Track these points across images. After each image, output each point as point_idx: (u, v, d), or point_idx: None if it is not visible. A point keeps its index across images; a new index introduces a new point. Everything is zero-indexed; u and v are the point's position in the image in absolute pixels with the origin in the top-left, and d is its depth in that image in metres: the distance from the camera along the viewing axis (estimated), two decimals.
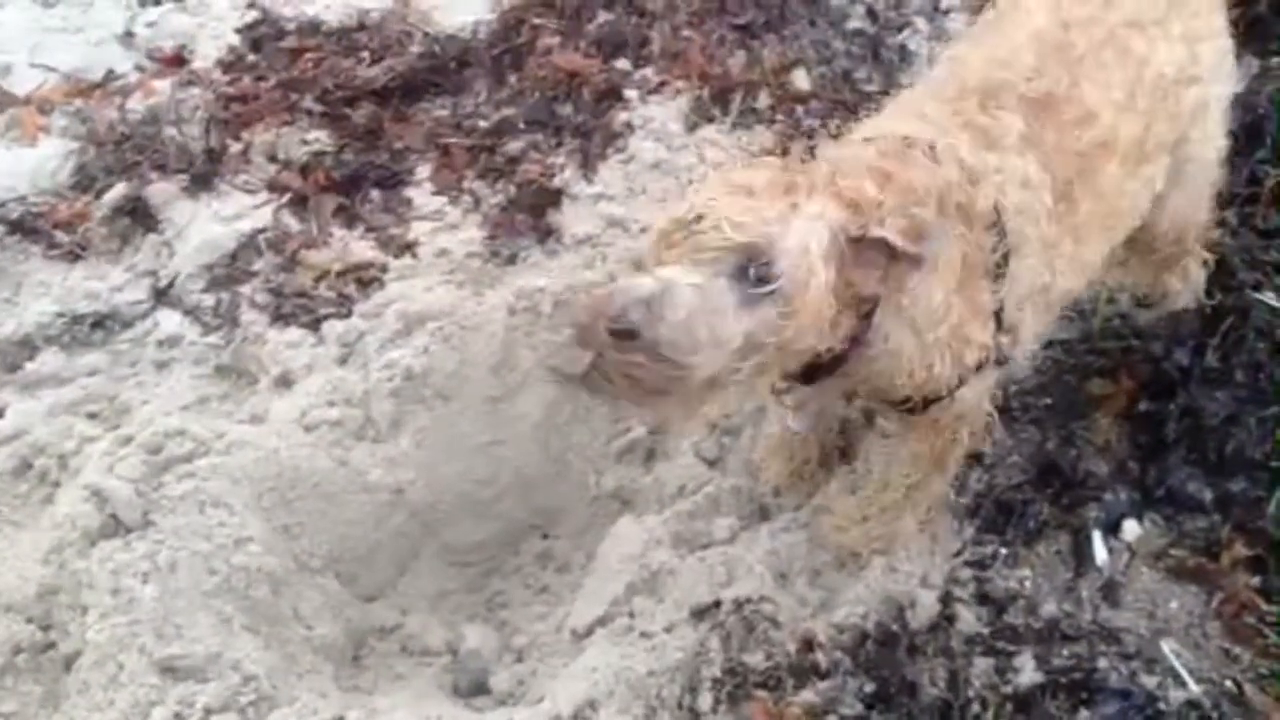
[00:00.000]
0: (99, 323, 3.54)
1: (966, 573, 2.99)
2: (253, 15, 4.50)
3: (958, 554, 3.03)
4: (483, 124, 4.13)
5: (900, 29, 4.40)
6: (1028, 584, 2.97)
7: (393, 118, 4.16)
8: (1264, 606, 2.92)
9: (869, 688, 2.79)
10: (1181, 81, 2.76)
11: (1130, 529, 3.07)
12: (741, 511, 3.17)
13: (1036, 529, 3.06)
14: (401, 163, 4.01)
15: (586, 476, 3.47)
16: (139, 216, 3.82)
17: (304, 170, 3.96)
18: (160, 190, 3.86)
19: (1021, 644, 2.85)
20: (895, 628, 2.89)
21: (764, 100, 4.19)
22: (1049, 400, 3.24)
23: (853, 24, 4.42)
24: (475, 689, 3.10)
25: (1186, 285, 3.39)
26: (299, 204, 3.87)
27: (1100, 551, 3.03)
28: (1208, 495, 3.11)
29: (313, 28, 4.45)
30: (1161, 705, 2.71)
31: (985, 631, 2.88)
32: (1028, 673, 2.79)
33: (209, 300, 3.60)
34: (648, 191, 3.89)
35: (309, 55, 4.35)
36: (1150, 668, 2.79)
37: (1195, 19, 2.81)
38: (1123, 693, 2.73)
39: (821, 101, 4.21)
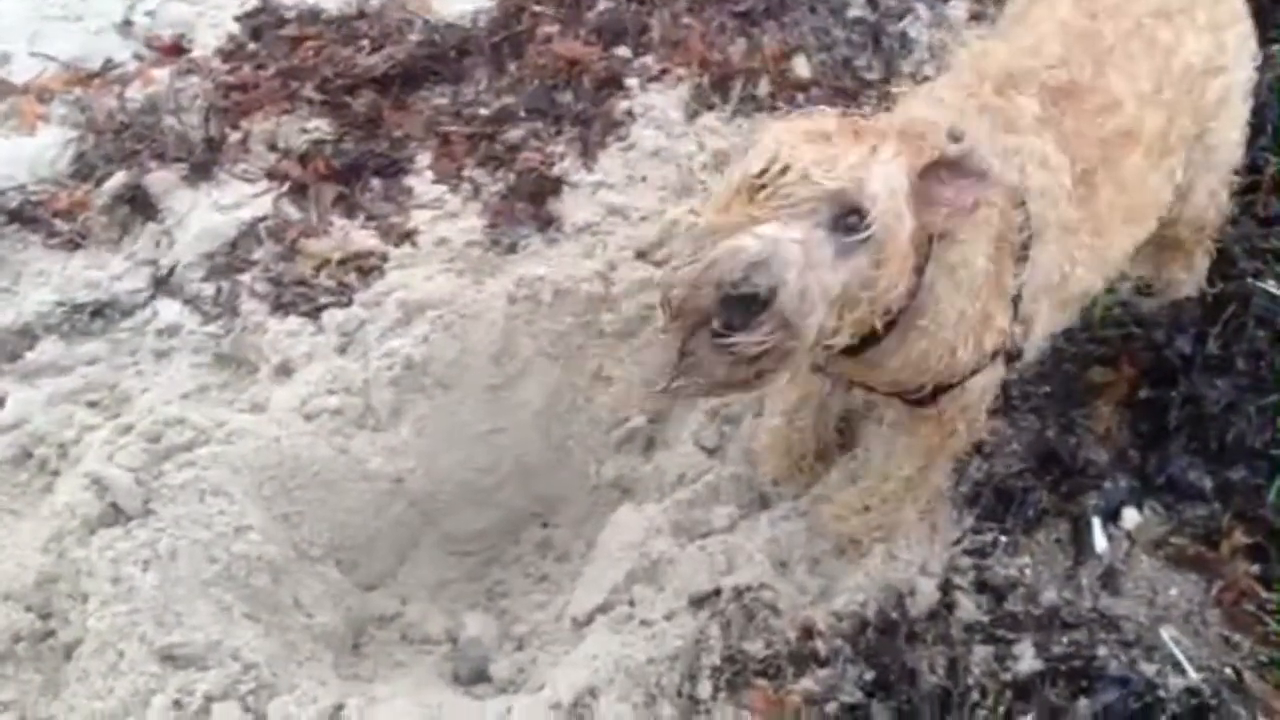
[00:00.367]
0: (99, 311, 3.54)
1: (966, 561, 3.00)
2: (252, 3, 4.47)
3: (957, 542, 3.03)
4: (483, 112, 4.12)
5: (901, 16, 4.38)
6: (1027, 572, 2.97)
7: (393, 106, 4.14)
8: (1263, 594, 2.93)
9: (869, 675, 2.79)
10: (1209, 72, 2.76)
11: (1130, 517, 3.07)
12: (741, 500, 3.17)
13: (1036, 517, 3.07)
14: (401, 151, 4.00)
15: (587, 465, 3.47)
16: (138, 205, 3.81)
17: (304, 159, 3.94)
18: (160, 179, 3.85)
19: (1021, 632, 2.85)
20: (895, 615, 2.89)
21: (764, 88, 4.17)
22: (1049, 388, 3.24)
23: (853, 11, 4.40)
24: (475, 677, 3.10)
25: (1191, 275, 3.39)
26: (299, 192, 3.86)
27: (1100, 539, 3.03)
28: (1208, 483, 3.11)
29: (312, 16, 4.43)
30: (1161, 692, 2.71)
31: (985, 619, 2.89)
32: (1027, 660, 2.79)
33: (209, 289, 3.59)
34: (648, 179, 3.88)
35: (309, 44, 4.33)
36: (1150, 655, 2.80)
37: (1219, 4, 2.81)
38: (1122, 680, 2.74)
39: (822, 89, 4.20)
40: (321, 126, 4.05)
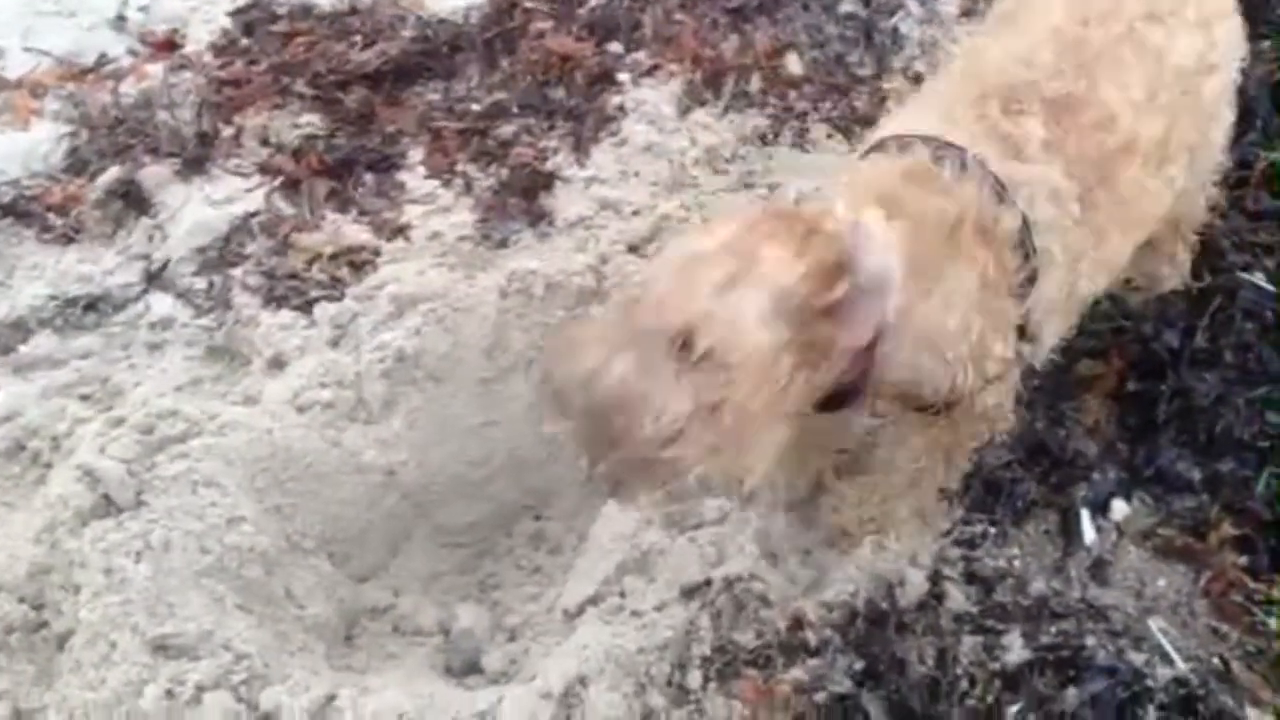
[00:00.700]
0: (92, 305, 3.54)
1: (955, 552, 3.01)
2: None
3: (947, 533, 3.04)
4: (475, 108, 4.13)
5: (892, 13, 4.39)
6: (1016, 563, 2.99)
7: (385, 101, 4.16)
8: (1251, 585, 2.95)
9: (858, 665, 2.80)
10: (1201, 72, 2.73)
11: (1119, 508, 3.08)
12: (732, 492, 3.18)
13: (1025, 508, 3.08)
14: (394, 146, 4.01)
15: (578, 458, 3.46)
16: (131, 200, 3.82)
17: (296, 154, 3.95)
18: (153, 174, 3.86)
19: (1010, 622, 2.86)
20: (885, 606, 2.90)
21: (756, 84, 4.19)
22: (1038, 381, 3.23)
23: (845, 7, 4.41)
24: (468, 668, 3.11)
25: (1174, 270, 3.40)
26: (291, 187, 3.87)
27: (1089, 531, 3.04)
28: (1196, 475, 3.12)
29: (305, 12, 4.44)
30: (1149, 682, 2.72)
31: (974, 610, 2.89)
32: (1016, 650, 2.80)
33: (201, 283, 3.60)
34: (640, 174, 3.89)
35: (301, 39, 4.34)
36: (1138, 645, 2.81)
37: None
38: (1110, 670, 2.75)
39: (814, 85, 4.22)
40: (314, 122, 4.06)
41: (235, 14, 4.46)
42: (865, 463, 3.12)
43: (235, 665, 2.76)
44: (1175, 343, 3.30)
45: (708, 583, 2.93)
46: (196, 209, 3.77)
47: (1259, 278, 3.41)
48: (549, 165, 3.92)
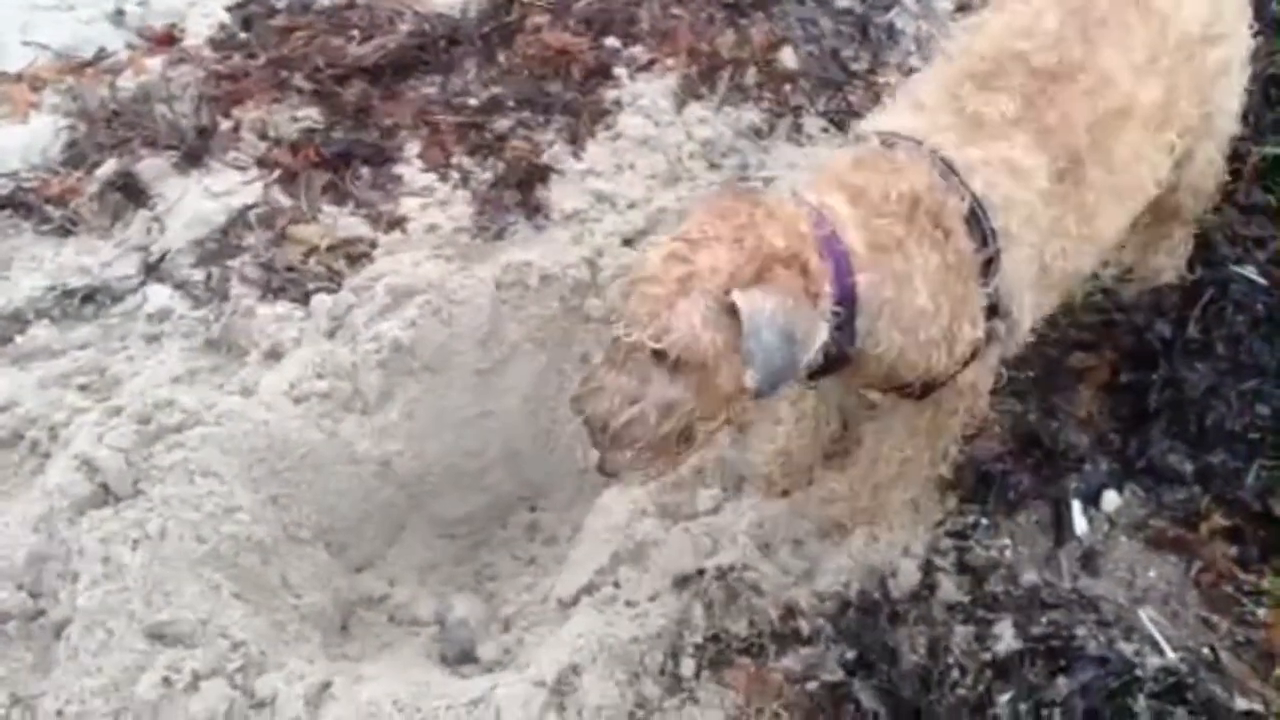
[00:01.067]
0: (90, 297, 3.56)
1: (948, 542, 3.03)
2: None
3: (939, 524, 3.07)
4: (472, 102, 4.15)
5: (888, 8, 4.43)
6: (1008, 553, 3.00)
7: (382, 95, 4.18)
8: (1241, 576, 2.96)
9: (850, 654, 2.82)
10: (1207, 40, 2.77)
11: (1110, 499, 3.10)
12: (725, 483, 3.20)
13: (1017, 499, 3.10)
14: (391, 140, 4.03)
15: (573, 449, 3.49)
16: (130, 192, 3.83)
17: (294, 147, 3.97)
18: (151, 166, 3.88)
19: (1001, 612, 2.88)
20: (877, 596, 2.93)
21: (752, 78, 4.21)
22: (1030, 373, 3.26)
23: (841, 2, 4.45)
24: (462, 658, 3.13)
25: (1172, 261, 3.42)
26: (289, 180, 3.89)
27: (1080, 522, 3.06)
28: (1187, 467, 3.14)
29: (303, 6, 4.48)
30: (1139, 671, 2.73)
31: (965, 599, 2.92)
32: (1007, 640, 2.82)
33: (199, 275, 3.62)
34: (636, 168, 3.91)
35: (299, 33, 4.37)
36: (1128, 635, 2.83)
37: None
38: (1101, 659, 2.76)
39: (809, 79, 4.25)
40: (312, 115, 4.08)
41: (233, 8, 4.49)
42: (855, 455, 3.14)
43: (231, 653, 2.78)
44: (1167, 334, 3.32)
45: (700, 573, 2.96)
46: (194, 201, 3.79)
47: (1251, 271, 3.42)
48: (545, 158, 3.94)
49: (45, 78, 4.24)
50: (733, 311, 2.23)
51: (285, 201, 3.82)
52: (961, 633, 2.85)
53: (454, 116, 4.09)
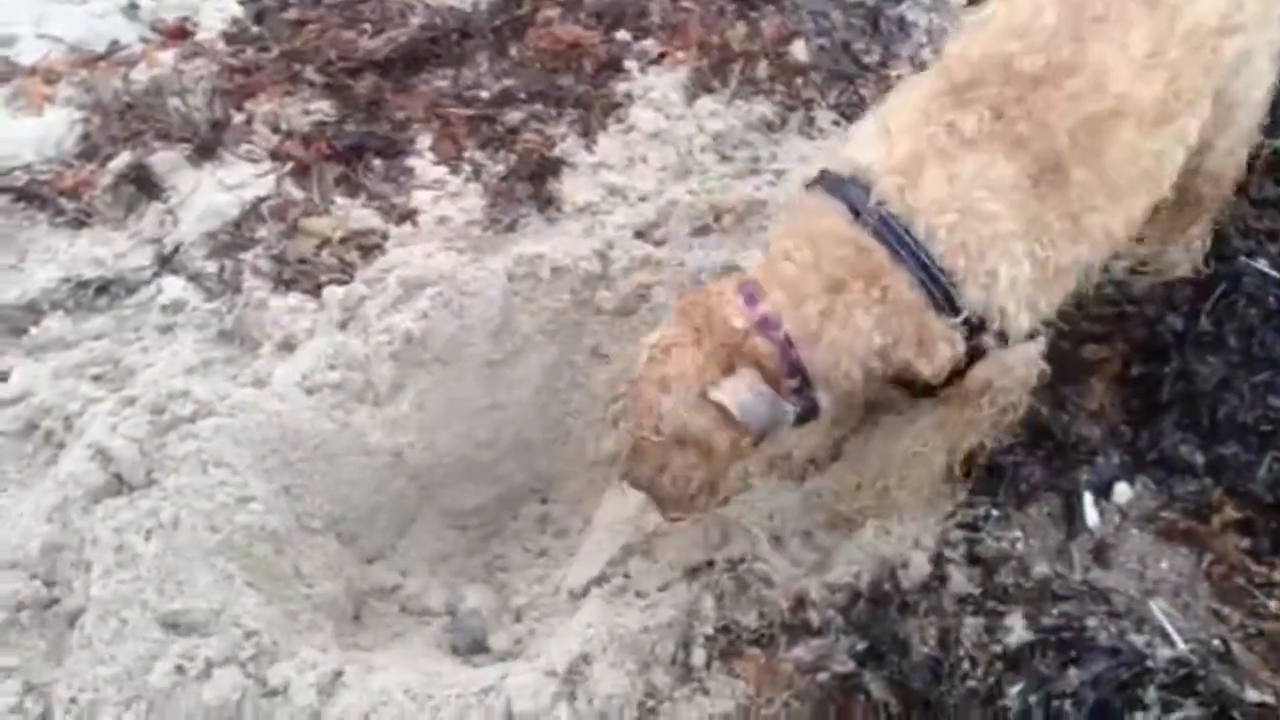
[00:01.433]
0: (104, 288, 3.57)
1: (958, 534, 3.03)
2: None
3: (950, 515, 3.06)
4: (484, 94, 4.16)
5: (899, 1, 4.41)
6: (1019, 545, 3.00)
7: (394, 88, 4.19)
8: (1253, 568, 2.96)
9: (860, 645, 2.82)
10: (1224, 31, 2.74)
11: (1122, 492, 3.10)
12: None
13: (1028, 491, 3.10)
14: (403, 132, 4.04)
15: (584, 441, 3.50)
16: (143, 185, 3.85)
17: (306, 140, 3.99)
18: (164, 159, 3.90)
19: (1012, 604, 2.88)
20: (887, 587, 2.93)
21: (763, 71, 4.21)
22: (1042, 365, 3.25)
23: None
24: (474, 648, 3.14)
25: (1188, 256, 3.41)
26: (301, 173, 3.90)
27: (1091, 514, 3.06)
28: (1199, 459, 3.14)
29: (314, 0, 4.47)
30: (1150, 663, 2.73)
31: (976, 591, 2.91)
32: (1018, 631, 2.82)
33: (212, 267, 3.63)
34: (647, 161, 3.92)
35: (311, 26, 4.38)
36: (1139, 627, 2.82)
37: None
38: (1111, 651, 2.75)
39: (820, 73, 4.25)
40: (324, 108, 4.10)
41: (246, 2, 4.52)
42: (868, 450, 3.14)
43: (244, 642, 2.79)
44: (1180, 326, 3.31)
45: (711, 564, 2.96)
46: (207, 194, 3.81)
47: (1263, 264, 3.42)
48: (557, 151, 3.95)
49: (59, 71, 4.25)
50: (708, 398, 2.57)
51: (297, 194, 3.84)
52: (972, 624, 2.85)
53: (466, 109, 4.10)
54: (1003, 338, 2.67)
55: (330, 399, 3.30)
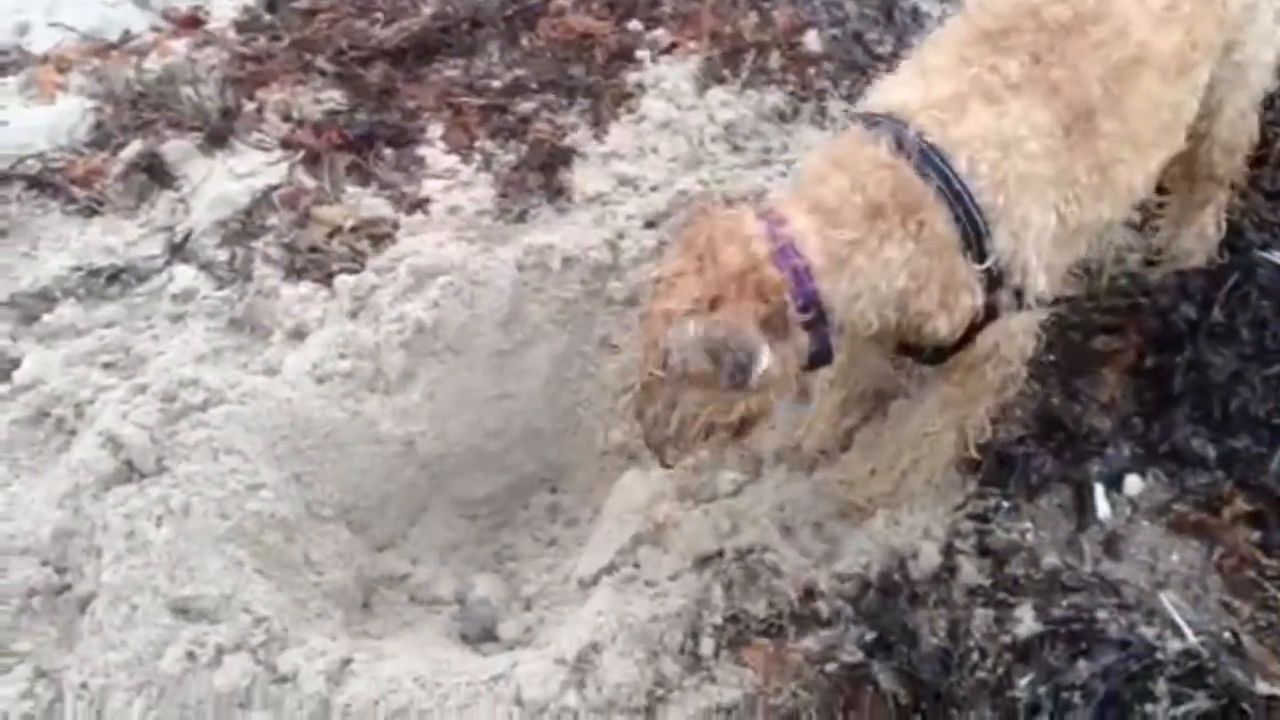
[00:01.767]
0: (115, 276, 3.59)
1: (968, 525, 3.02)
2: None
3: (960, 506, 3.06)
4: (495, 84, 4.16)
5: None
6: (1029, 536, 2.99)
7: (406, 78, 4.19)
8: (1264, 560, 2.94)
9: (870, 636, 2.82)
10: None
11: (1133, 484, 3.09)
12: (746, 465, 3.21)
13: (1039, 483, 3.09)
14: (414, 122, 4.04)
15: (594, 431, 3.51)
16: (155, 173, 3.86)
17: (317, 129, 4.00)
18: (176, 147, 3.91)
19: (1022, 595, 2.87)
20: (897, 578, 2.92)
21: (775, 61, 4.20)
22: (1054, 356, 3.25)
23: None
24: (483, 636, 3.15)
25: (1203, 245, 3.40)
26: (312, 161, 3.91)
27: (1102, 505, 3.05)
28: (1210, 451, 3.12)
29: None
30: (1159, 655, 2.72)
31: (986, 582, 2.91)
32: (1027, 623, 2.81)
33: (223, 255, 3.64)
34: (658, 151, 3.92)
35: (323, 16, 4.39)
36: (1149, 619, 2.81)
37: None
38: (1121, 643, 2.74)
39: (833, 63, 4.23)
40: (335, 97, 4.10)
41: None
42: (880, 438, 3.14)
43: (254, 628, 2.80)
44: (1192, 317, 3.29)
45: (720, 553, 2.96)
46: (219, 182, 3.82)
47: (1276, 256, 3.40)
48: (568, 141, 3.95)
49: (71, 59, 4.27)
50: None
51: (309, 182, 3.84)
52: (982, 615, 2.84)
53: (477, 99, 4.10)
54: (1018, 296, 2.66)
55: (341, 387, 3.31)
